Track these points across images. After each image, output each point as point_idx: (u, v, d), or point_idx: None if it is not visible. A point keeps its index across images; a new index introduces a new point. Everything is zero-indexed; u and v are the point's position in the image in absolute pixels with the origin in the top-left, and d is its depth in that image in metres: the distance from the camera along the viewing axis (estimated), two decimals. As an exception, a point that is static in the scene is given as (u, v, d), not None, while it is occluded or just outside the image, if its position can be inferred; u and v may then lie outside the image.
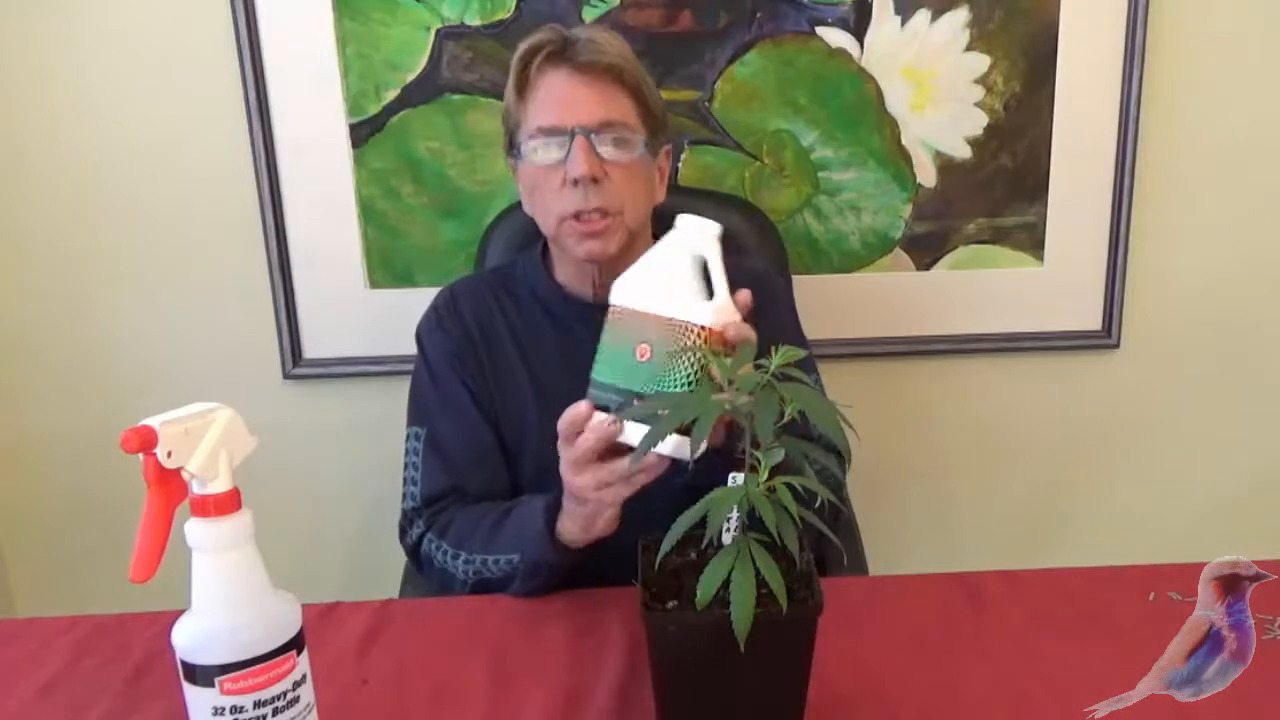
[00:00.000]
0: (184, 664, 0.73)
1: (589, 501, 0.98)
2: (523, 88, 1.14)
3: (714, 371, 0.86)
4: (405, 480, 1.23)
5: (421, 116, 1.58)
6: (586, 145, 1.10)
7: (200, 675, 0.72)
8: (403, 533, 1.22)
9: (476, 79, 1.57)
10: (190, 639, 0.72)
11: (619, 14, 1.53)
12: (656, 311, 0.89)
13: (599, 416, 0.92)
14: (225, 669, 0.72)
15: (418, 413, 1.24)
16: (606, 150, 1.12)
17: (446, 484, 1.20)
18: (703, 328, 0.88)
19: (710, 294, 0.91)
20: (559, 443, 0.96)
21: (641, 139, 1.15)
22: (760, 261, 1.41)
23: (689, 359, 0.87)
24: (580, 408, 0.93)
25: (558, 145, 1.12)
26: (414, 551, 1.21)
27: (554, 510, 1.05)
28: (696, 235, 0.91)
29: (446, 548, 1.15)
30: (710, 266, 0.91)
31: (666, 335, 0.88)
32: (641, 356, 0.89)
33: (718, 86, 1.57)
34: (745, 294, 0.92)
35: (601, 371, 0.92)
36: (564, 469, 0.97)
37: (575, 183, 1.11)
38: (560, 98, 1.12)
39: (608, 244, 1.14)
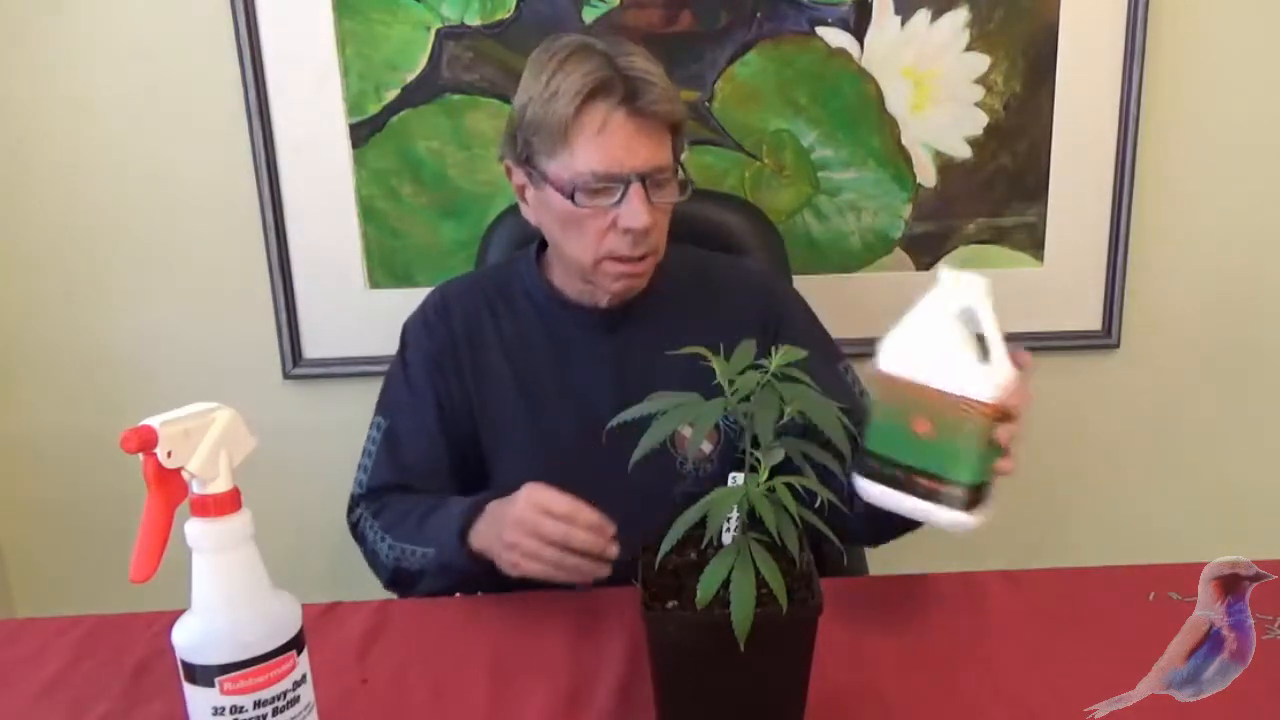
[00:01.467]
0: (184, 664, 0.73)
1: (514, 549, 1.00)
2: (567, 122, 1.06)
3: (1000, 436, 0.82)
4: (359, 465, 1.24)
5: (421, 116, 1.58)
6: (644, 195, 1.07)
7: (200, 675, 0.72)
8: (349, 511, 1.25)
9: (476, 79, 1.57)
10: (190, 639, 0.72)
11: (619, 14, 1.53)
12: (935, 385, 0.83)
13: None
14: (225, 669, 0.72)
15: (385, 404, 1.25)
16: (655, 195, 1.09)
17: (393, 481, 1.21)
18: (986, 404, 0.82)
19: (983, 353, 0.84)
20: (524, 508, 0.98)
21: (678, 175, 1.12)
22: (760, 263, 1.40)
23: (973, 435, 0.82)
24: (588, 515, 0.97)
25: (609, 191, 1.07)
26: (354, 529, 1.24)
27: (472, 515, 1.06)
28: (964, 292, 0.84)
29: (378, 528, 1.18)
30: (985, 328, 0.84)
31: (947, 410, 0.82)
32: (919, 430, 0.83)
33: (718, 86, 1.57)
34: (1026, 356, 0.86)
35: (875, 441, 0.86)
36: (513, 522, 0.99)
37: (626, 231, 1.08)
38: (618, 143, 1.06)
39: (640, 282, 1.15)
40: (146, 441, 0.69)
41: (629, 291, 1.15)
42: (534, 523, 0.98)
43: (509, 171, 1.17)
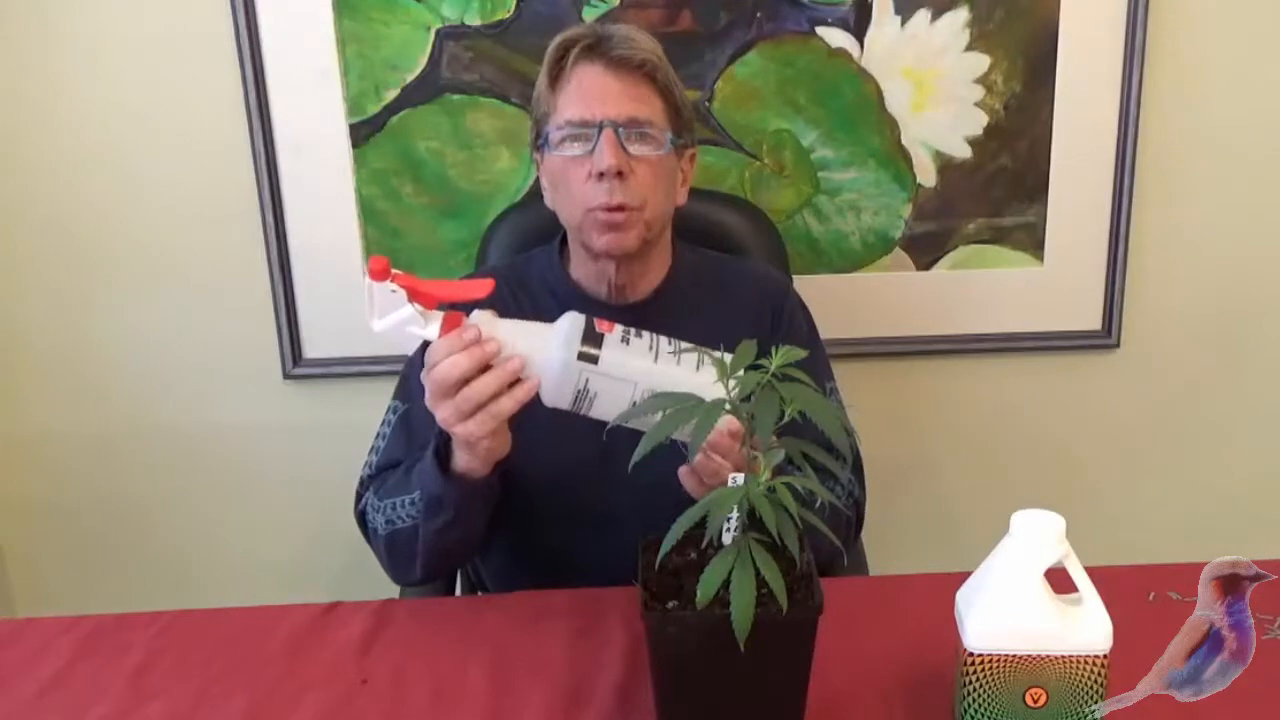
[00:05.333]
0: (584, 355, 0.92)
1: (456, 434, 0.98)
2: (555, 79, 1.15)
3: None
4: (371, 449, 1.22)
5: (421, 116, 1.58)
6: (614, 139, 1.11)
7: (589, 346, 0.92)
8: (357, 499, 1.21)
9: (476, 79, 1.57)
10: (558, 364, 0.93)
11: (619, 14, 1.53)
12: (1045, 652, 0.79)
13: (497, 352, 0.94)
14: (588, 326, 0.93)
15: (403, 388, 1.24)
16: (633, 146, 1.12)
17: (403, 460, 1.18)
18: (1105, 656, 0.79)
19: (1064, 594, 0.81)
20: (425, 377, 0.97)
21: (668, 137, 1.15)
22: (768, 266, 1.40)
23: (1092, 685, 0.79)
24: (469, 334, 0.94)
25: (586, 138, 1.12)
26: (360, 519, 1.20)
27: (446, 440, 1.05)
28: (1040, 536, 0.80)
29: (374, 501, 1.16)
30: (1072, 573, 0.80)
31: (1062, 673, 0.79)
32: (1034, 702, 0.80)
33: (718, 86, 1.57)
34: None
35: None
36: (428, 403, 0.98)
37: (600, 176, 1.11)
38: (591, 91, 1.12)
39: (627, 238, 1.14)
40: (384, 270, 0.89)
41: (618, 247, 1.15)
42: (435, 391, 0.96)
43: (537, 165, 1.22)
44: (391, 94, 1.58)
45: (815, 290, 1.54)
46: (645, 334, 0.96)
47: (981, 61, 1.57)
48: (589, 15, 1.53)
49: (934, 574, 1.08)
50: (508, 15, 1.54)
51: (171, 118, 1.60)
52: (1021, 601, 0.79)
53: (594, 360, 0.92)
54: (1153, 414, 1.77)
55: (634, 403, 0.93)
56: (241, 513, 1.80)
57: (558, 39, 1.15)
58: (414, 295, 0.92)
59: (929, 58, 1.56)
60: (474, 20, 1.54)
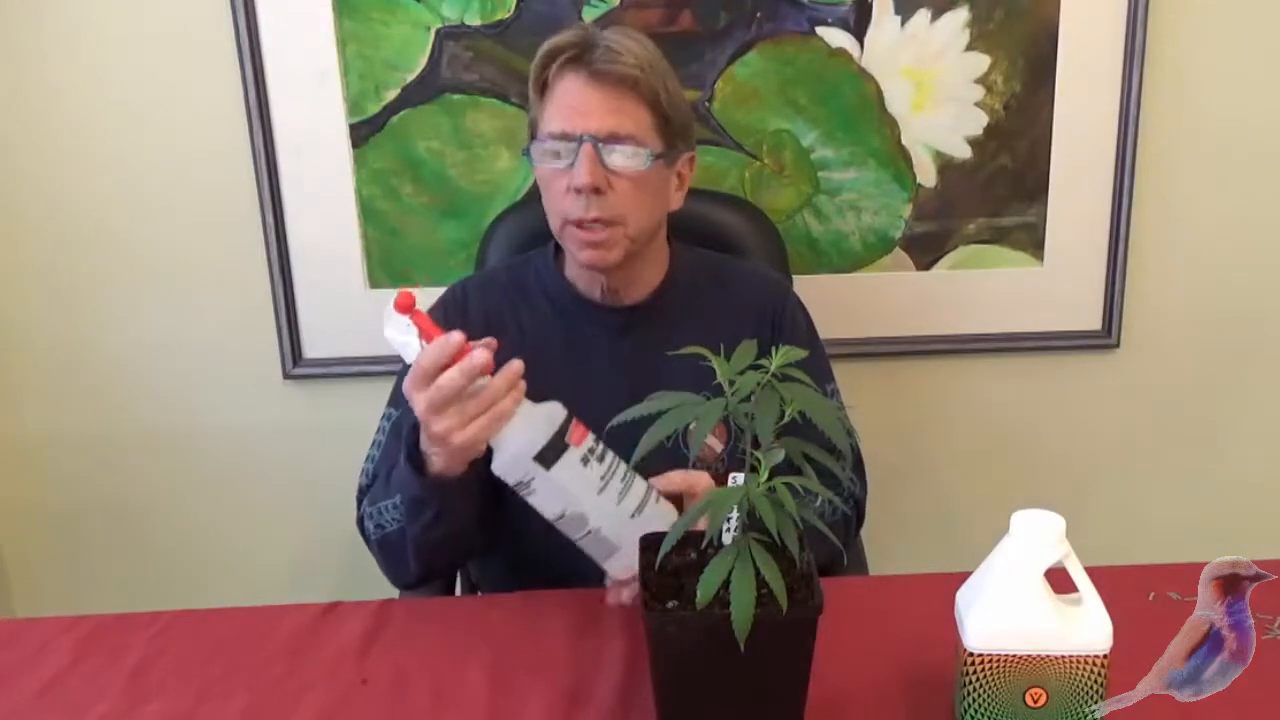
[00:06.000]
0: (541, 454, 0.93)
1: (451, 444, 0.97)
2: (541, 88, 1.14)
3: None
4: (366, 458, 1.22)
5: (421, 116, 1.58)
6: (592, 155, 1.09)
7: (552, 450, 0.93)
8: (357, 507, 1.20)
9: (476, 79, 1.57)
10: (525, 444, 0.94)
11: (619, 14, 1.53)
12: (1045, 652, 0.79)
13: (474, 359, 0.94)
14: (560, 431, 0.93)
15: (395, 395, 1.23)
16: (614, 160, 1.11)
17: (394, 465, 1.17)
18: (1105, 656, 0.79)
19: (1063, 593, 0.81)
20: (410, 390, 0.97)
21: (651, 151, 1.12)
22: (767, 266, 1.40)
23: (1092, 685, 0.79)
24: (454, 339, 0.94)
25: (566, 151, 1.11)
26: (360, 527, 1.19)
27: (413, 441, 1.04)
28: (1040, 536, 0.80)
29: (367, 508, 1.15)
30: (1072, 573, 0.80)
31: (1062, 673, 0.79)
32: (1034, 703, 0.80)
33: (718, 86, 1.57)
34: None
35: None
36: (421, 414, 0.97)
37: (578, 191, 1.10)
38: (572, 104, 1.11)
39: (607, 254, 1.14)
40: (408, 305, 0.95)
41: (600, 262, 1.14)
42: (429, 401, 0.96)
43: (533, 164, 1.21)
44: (391, 94, 1.58)
45: (815, 290, 1.54)
46: (609, 459, 0.97)
47: (981, 61, 1.57)
48: (589, 15, 1.53)
49: (934, 574, 1.08)
50: (508, 15, 1.54)
51: (171, 118, 1.60)
52: (1021, 601, 0.80)
53: (546, 465, 0.94)
54: (1153, 414, 1.77)
55: (562, 515, 0.96)
56: (241, 513, 1.80)
57: (545, 46, 1.14)
58: (424, 334, 0.97)
59: (929, 58, 1.56)
60: (474, 20, 1.54)
